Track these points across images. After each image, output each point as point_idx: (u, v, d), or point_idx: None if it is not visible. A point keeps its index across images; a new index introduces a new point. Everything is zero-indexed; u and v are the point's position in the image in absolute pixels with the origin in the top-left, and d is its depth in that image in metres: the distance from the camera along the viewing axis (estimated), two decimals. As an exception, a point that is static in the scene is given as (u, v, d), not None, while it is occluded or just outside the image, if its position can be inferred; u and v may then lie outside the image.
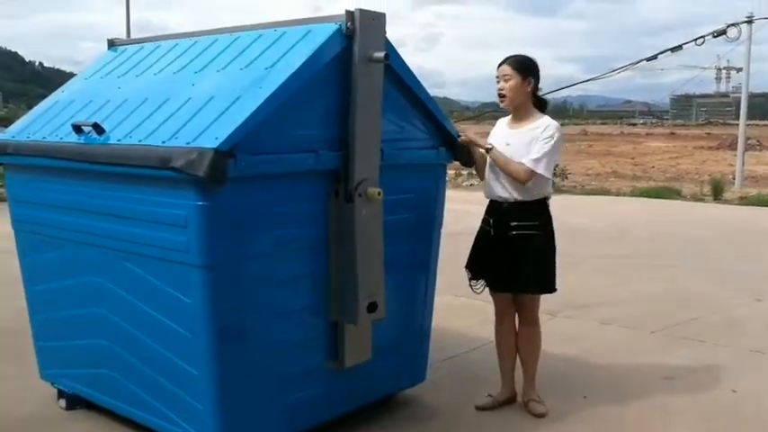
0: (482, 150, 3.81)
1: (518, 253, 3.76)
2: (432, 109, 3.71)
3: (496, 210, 3.83)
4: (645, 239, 9.96)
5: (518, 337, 3.98)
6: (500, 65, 3.79)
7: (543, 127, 3.72)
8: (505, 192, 3.77)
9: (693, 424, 3.88)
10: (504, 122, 3.94)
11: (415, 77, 3.60)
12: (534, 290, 3.86)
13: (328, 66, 3.16)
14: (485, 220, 3.90)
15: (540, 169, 3.66)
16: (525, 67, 3.75)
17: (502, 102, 3.78)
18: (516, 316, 3.99)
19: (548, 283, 3.86)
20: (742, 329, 5.64)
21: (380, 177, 3.35)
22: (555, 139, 3.69)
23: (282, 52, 3.20)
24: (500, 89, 3.76)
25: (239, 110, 2.93)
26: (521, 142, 3.72)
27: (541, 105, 3.88)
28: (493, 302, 4.02)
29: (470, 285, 3.97)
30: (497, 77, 3.79)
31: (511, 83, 3.73)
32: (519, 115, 3.82)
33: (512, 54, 3.83)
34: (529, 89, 3.77)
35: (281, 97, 2.98)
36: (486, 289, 3.96)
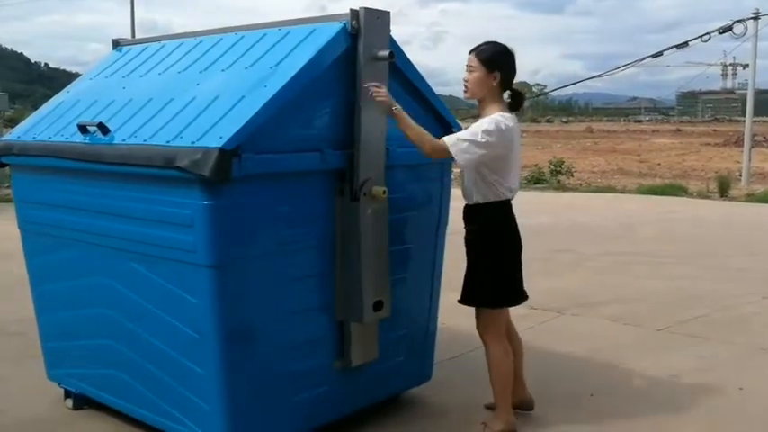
0: (390, 106, 3.30)
1: (467, 257, 3.62)
2: (437, 107, 3.71)
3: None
4: (651, 237, 9.93)
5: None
6: (470, 52, 3.50)
7: (478, 124, 3.41)
8: (464, 195, 3.61)
9: (700, 421, 3.86)
10: None
11: (421, 76, 3.60)
12: (465, 299, 3.60)
13: (333, 65, 3.16)
14: None
15: (452, 147, 3.32)
16: (491, 60, 3.44)
17: (464, 94, 3.51)
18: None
19: (477, 296, 3.55)
20: (749, 327, 5.62)
21: (386, 176, 3.35)
22: (484, 127, 3.33)
23: (287, 51, 3.20)
24: (464, 80, 3.49)
25: (244, 109, 2.93)
26: None
27: (517, 101, 3.58)
28: None
29: None
30: (466, 66, 3.51)
31: (474, 75, 3.45)
32: (481, 110, 3.51)
33: (484, 42, 3.54)
34: (494, 84, 3.45)
35: (285, 96, 2.97)
36: None
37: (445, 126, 3.77)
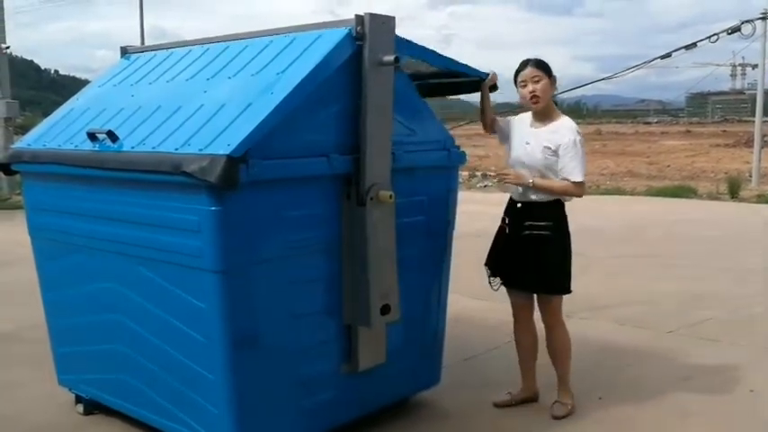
0: (528, 183, 3.77)
1: (530, 253, 3.79)
2: (463, 70, 3.81)
3: (512, 209, 3.88)
4: (661, 239, 9.90)
5: (546, 341, 4.02)
6: (523, 68, 3.81)
7: (562, 135, 3.74)
8: (523, 193, 3.81)
9: (710, 424, 3.85)
10: (526, 119, 3.95)
11: (436, 53, 3.64)
12: (542, 290, 3.87)
13: (339, 70, 3.18)
14: (502, 219, 3.96)
15: (582, 176, 3.73)
16: (549, 69, 3.81)
17: (536, 103, 3.78)
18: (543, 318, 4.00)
19: (557, 285, 3.85)
20: (760, 328, 5.59)
21: (392, 180, 3.36)
22: (578, 143, 3.73)
23: (293, 58, 3.22)
24: (532, 91, 3.76)
25: (251, 116, 2.95)
26: (538, 144, 3.77)
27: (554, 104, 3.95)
28: (510, 301, 4.05)
29: (489, 282, 4.00)
30: (523, 81, 3.79)
31: (542, 84, 3.76)
32: (543, 115, 3.84)
33: (529, 57, 3.85)
34: (554, 89, 3.85)
35: (292, 102, 2.99)
36: (503, 288, 3.98)
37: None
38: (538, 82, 3.76)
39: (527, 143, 3.82)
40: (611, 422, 3.88)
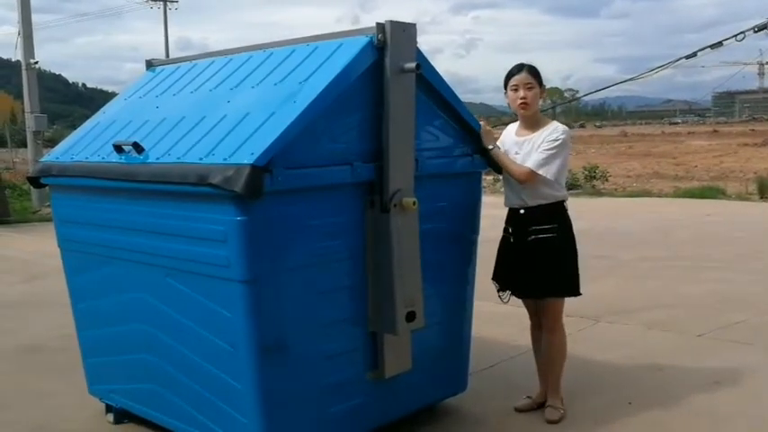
0: (488, 147, 3.78)
1: (536, 257, 3.75)
2: (465, 117, 3.72)
3: (514, 217, 3.85)
4: (689, 241, 9.78)
5: (544, 343, 3.97)
6: (517, 72, 3.78)
7: (550, 131, 3.73)
8: (520, 198, 3.80)
9: (741, 428, 3.79)
10: (511, 130, 3.95)
11: (448, 86, 3.61)
12: (552, 293, 3.82)
13: (360, 78, 3.19)
14: (504, 229, 3.92)
15: (541, 171, 3.67)
16: (541, 78, 3.80)
17: (525, 110, 3.77)
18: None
19: (566, 287, 3.81)
20: (792, 331, 5.50)
21: (415, 187, 3.36)
22: (559, 141, 3.69)
23: (315, 66, 3.23)
24: (523, 98, 3.75)
25: (274, 125, 2.97)
26: (530, 150, 3.75)
27: None
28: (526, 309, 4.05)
29: (499, 296, 3.99)
30: (514, 85, 3.77)
31: (534, 91, 3.76)
32: (531, 123, 3.83)
33: (522, 63, 3.83)
34: (542, 98, 3.86)
35: (314, 111, 3.01)
36: (513, 298, 3.97)
37: (472, 133, 3.79)
38: (530, 89, 3.75)
39: (517, 153, 3.79)
40: (641, 426, 3.83)
